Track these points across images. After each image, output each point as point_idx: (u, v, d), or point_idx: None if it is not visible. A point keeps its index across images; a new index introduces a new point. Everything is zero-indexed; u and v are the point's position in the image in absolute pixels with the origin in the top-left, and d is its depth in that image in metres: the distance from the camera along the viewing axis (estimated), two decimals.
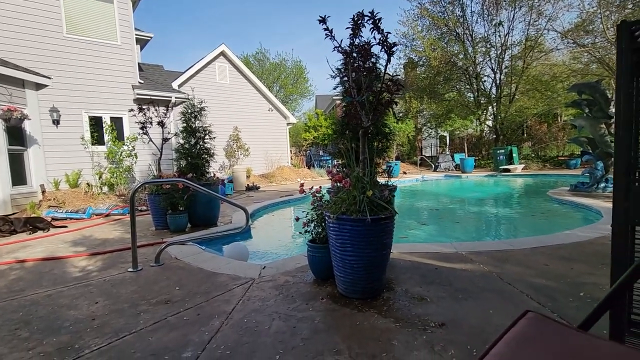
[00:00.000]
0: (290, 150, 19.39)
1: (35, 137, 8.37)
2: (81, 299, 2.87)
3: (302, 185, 3.35)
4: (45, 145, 8.72)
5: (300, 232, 3.29)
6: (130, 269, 3.60)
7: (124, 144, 9.79)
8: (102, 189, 9.31)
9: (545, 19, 17.27)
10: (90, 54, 9.54)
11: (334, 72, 3.60)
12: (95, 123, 9.71)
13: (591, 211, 5.95)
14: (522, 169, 15.45)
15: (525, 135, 20.50)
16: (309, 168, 18.93)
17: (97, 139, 9.68)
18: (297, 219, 3.28)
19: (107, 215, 7.37)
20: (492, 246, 3.91)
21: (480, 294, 2.59)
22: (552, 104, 18.64)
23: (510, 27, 18.36)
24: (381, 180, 3.31)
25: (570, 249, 3.65)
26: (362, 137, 2.89)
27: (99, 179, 9.39)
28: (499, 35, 18.78)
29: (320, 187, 3.24)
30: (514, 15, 18.10)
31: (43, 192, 8.18)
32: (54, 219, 6.81)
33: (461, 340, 1.98)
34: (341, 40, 2.82)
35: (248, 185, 12.33)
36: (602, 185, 7.71)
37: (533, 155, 18.18)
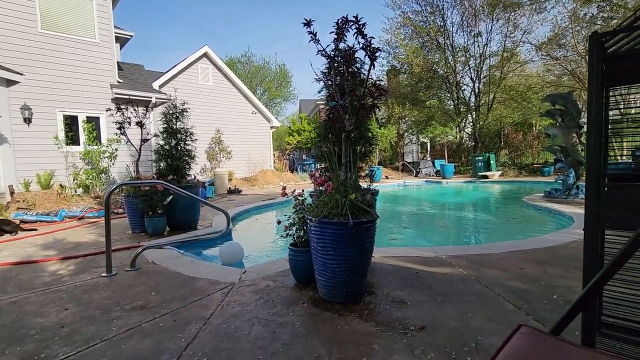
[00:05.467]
0: (274, 154, 19.29)
1: (5, 136, 7.99)
2: (49, 305, 2.73)
3: (284, 188, 3.33)
4: (16, 145, 8.33)
5: (282, 236, 3.26)
6: (103, 274, 3.46)
7: (103, 145, 9.47)
8: (76, 191, 8.96)
9: (521, 31, 17.99)
10: (66, 51, 9.22)
11: (318, 76, 3.61)
12: (71, 122, 9.37)
13: (564, 217, 6.18)
14: (500, 175, 15.93)
15: (502, 143, 21.17)
16: (292, 172, 18.85)
17: (72, 139, 9.33)
18: (279, 223, 3.25)
19: (81, 218, 7.08)
20: (470, 250, 3.99)
21: (459, 297, 2.63)
22: (527, 114, 19.36)
23: (488, 39, 19.02)
24: (363, 184, 3.33)
25: (544, 253, 3.77)
26: (345, 140, 2.90)
27: (74, 180, 9.03)
28: (478, 46, 19.42)
29: (303, 190, 3.22)
30: (491, 27, 18.76)
31: (12, 193, 7.79)
32: (22, 221, 6.49)
33: (441, 343, 2.00)
34: (327, 46, 2.83)
35: (230, 188, 12.16)
36: (574, 192, 8.03)
37: (510, 162, 18.79)
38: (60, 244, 4.95)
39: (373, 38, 2.56)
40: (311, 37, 2.81)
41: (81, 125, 9.51)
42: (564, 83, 17.35)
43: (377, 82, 2.82)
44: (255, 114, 16.76)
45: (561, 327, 1.15)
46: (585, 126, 9.25)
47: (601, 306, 1.54)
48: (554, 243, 4.12)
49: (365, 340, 2.06)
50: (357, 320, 2.32)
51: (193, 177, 6.25)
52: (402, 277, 3.12)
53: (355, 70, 3.22)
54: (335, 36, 2.77)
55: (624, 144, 1.91)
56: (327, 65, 3.23)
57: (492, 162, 16.40)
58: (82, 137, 9.50)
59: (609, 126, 1.41)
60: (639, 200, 1.28)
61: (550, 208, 6.91)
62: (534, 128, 21.59)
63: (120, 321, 2.42)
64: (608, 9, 13.08)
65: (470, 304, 2.50)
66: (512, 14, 17.75)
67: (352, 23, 2.66)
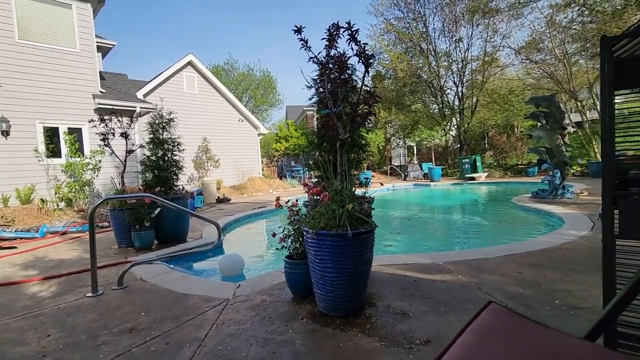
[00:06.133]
0: (262, 161, 19.12)
1: None
2: (30, 332, 2.55)
3: (278, 199, 3.24)
4: None
5: (277, 248, 3.16)
6: (89, 294, 3.28)
7: (86, 157, 9.18)
8: (58, 205, 8.62)
9: (500, 36, 18.46)
10: (45, 61, 8.94)
11: (308, 82, 3.55)
12: (52, 134, 9.05)
13: (553, 217, 6.25)
14: (486, 177, 16.16)
15: (487, 145, 21.56)
16: (280, 179, 18.70)
17: (53, 151, 9.01)
18: (274, 235, 3.15)
19: (63, 234, 6.80)
20: (467, 255, 3.96)
21: (461, 306, 2.58)
22: (509, 116, 19.81)
23: (469, 44, 19.45)
24: (357, 191, 3.26)
25: (540, 256, 3.76)
26: (340, 149, 2.83)
27: (55, 194, 8.70)
28: (459, 51, 19.83)
29: (297, 199, 3.14)
30: (472, 33, 19.20)
31: None
32: (1, 239, 6.18)
33: None
34: (319, 53, 2.78)
35: (219, 197, 11.95)
36: (560, 192, 8.18)
37: (495, 164, 19.13)
38: (41, 262, 4.71)
39: (367, 44, 2.52)
40: (302, 44, 2.75)
41: (62, 136, 9.20)
42: (543, 85, 17.83)
43: (373, 88, 2.78)
44: (242, 121, 16.61)
45: (594, 337, 1.11)
46: (568, 128, 9.47)
47: None
48: (547, 245, 4.13)
49: (370, 358, 1.97)
50: (359, 335, 2.24)
51: (181, 187, 6.08)
52: (401, 286, 3.05)
53: (347, 76, 3.17)
54: (327, 43, 2.72)
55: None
56: (319, 72, 3.17)
57: (478, 164, 16.65)
58: (64, 149, 9.19)
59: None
60: None
61: (540, 209, 6.99)
62: (516, 129, 22.08)
63: (108, 346, 2.27)
64: (587, 13, 13.51)
65: (473, 313, 2.44)
66: (491, 19, 18.20)
67: (343, 29, 2.61)
